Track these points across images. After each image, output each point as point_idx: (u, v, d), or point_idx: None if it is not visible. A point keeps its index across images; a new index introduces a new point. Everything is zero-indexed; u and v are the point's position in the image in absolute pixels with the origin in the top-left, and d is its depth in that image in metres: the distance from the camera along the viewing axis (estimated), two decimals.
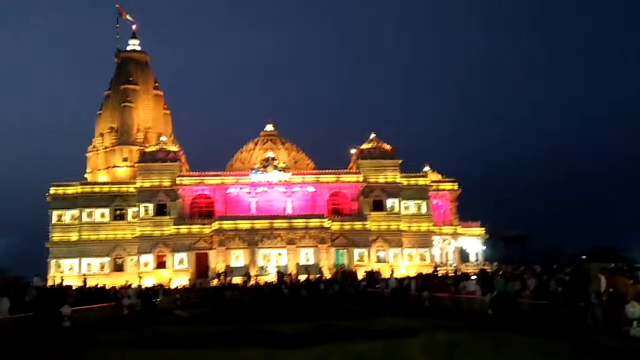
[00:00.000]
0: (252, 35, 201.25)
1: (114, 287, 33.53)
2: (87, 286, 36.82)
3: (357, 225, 55.70)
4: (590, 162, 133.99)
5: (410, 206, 58.41)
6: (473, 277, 24.43)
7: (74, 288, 32.36)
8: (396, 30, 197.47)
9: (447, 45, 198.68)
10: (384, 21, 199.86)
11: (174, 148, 60.07)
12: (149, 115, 69.01)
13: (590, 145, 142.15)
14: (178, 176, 56.86)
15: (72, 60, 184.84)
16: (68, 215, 58.24)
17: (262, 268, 51.04)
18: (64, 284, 42.18)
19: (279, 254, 53.19)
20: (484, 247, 60.70)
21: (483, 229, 61.64)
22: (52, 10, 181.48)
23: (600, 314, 14.19)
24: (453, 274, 35.24)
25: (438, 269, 49.15)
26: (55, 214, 58.39)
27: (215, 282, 47.16)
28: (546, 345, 12.12)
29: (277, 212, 56.20)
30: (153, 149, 59.23)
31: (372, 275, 41.35)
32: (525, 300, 17.22)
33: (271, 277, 47.80)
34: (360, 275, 45.25)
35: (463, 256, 59.71)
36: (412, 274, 39.60)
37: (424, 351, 12.45)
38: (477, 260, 58.65)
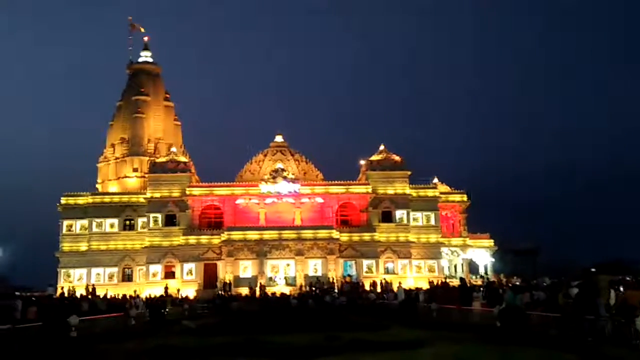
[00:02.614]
0: (262, 47, 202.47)
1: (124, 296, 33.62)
2: (96, 296, 36.96)
3: (366, 236, 55.56)
4: (604, 174, 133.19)
5: (419, 217, 58.21)
6: (481, 290, 24.31)
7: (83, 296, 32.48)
8: (407, 42, 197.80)
9: (458, 56, 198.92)
10: (394, 34, 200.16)
11: (183, 159, 60.31)
12: (159, 126, 69.39)
13: (604, 157, 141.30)
14: (188, 187, 57.01)
15: (85, 71, 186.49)
16: (78, 225, 58.48)
17: (270, 279, 51.01)
18: (77, 294, 42.48)
19: (288, 265, 53.11)
20: (493, 260, 60.32)
21: (492, 241, 61.28)
22: (66, 25, 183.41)
23: (609, 327, 14.07)
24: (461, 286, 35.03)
25: (447, 280, 48.91)
26: (65, 223, 58.65)
27: (217, 292, 47.22)
28: (555, 358, 12.04)
29: (286, 223, 56.16)
30: (163, 159, 59.49)
31: (375, 286, 41.32)
32: (534, 312, 17.10)
33: (279, 287, 47.79)
34: (367, 286, 45.13)
35: (472, 268, 59.33)
36: (421, 285, 39.54)
37: None
38: (485, 272, 58.25)
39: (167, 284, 50.37)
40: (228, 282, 50.70)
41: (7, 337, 15.99)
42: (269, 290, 44.91)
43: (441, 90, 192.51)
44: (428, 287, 35.90)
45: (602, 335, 14.01)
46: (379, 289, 43.46)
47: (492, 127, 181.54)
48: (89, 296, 40.80)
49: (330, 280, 50.26)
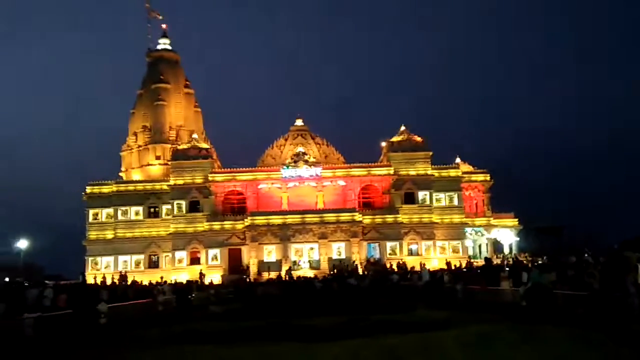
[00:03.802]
0: (281, 31, 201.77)
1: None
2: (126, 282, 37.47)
3: (389, 218, 55.45)
4: (628, 149, 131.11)
5: (442, 198, 57.92)
6: (506, 270, 24.17)
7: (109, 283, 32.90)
8: (426, 25, 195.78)
9: (478, 36, 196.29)
10: (413, 17, 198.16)
11: (205, 145, 60.62)
12: (180, 113, 69.72)
13: (628, 132, 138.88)
14: (210, 173, 57.33)
15: (105, 60, 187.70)
16: (104, 214, 59.28)
17: (294, 263, 51.25)
18: (106, 281, 43.09)
19: (311, 249, 53.30)
20: (518, 239, 59.89)
21: (516, 220, 60.82)
22: (86, 15, 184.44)
23: (638, 304, 13.90)
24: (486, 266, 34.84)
25: (472, 260, 48.75)
26: (91, 212, 59.46)
27: (241, 277, 47.64)
28: (582, 336, 11.95)
29: (308, 206, 56.26)
30: (185, 146, 59.85)
31: (401, 267, 41.29)
32: (561, 291, 16.96)
33: (303, 271, 48.00)
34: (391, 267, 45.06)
35: (496, 248, 59.01)
36: (445, 266, 39.35)
37: (458, 344, 12.38)
38: (510, 252, 57.87)
39: (201, 270, 50.82)
40: (246, 266, 51.21)
41: (38, 325, 16.30)
42: (294, 274, 45.13)
43: (463, 69, 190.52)
44: (445, 268, 35.58)
45: (630, 312, 13.85)
46: (401, 270, 43.40)
47: (515, 107, 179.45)
48: (122, 283, 41.50)
49: (354, 263, 50.34)
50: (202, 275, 48.73)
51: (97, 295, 21.59)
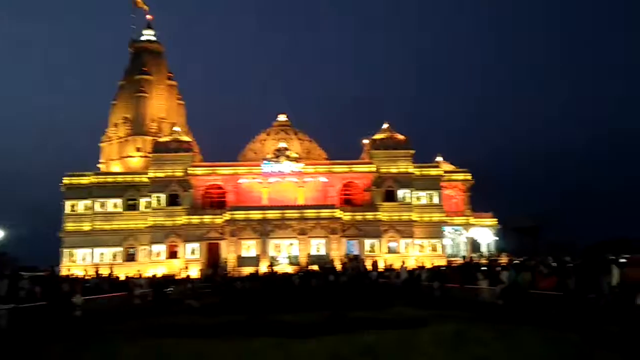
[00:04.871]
0: (265, 26, 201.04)
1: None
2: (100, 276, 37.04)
3: (369, 215, 55.58)
4: (605, 151, 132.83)
5: (422, 196, 58.17)
6: (483, 269, 24.35)
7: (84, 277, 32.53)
8: (410, 23, 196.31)
9: (460, 37, 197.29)
10: (399, 14, 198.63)
11: (186, 138, 60.21)
12: (162, 105, 69.18)
13: (606, 134, 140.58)
14: (190, 166, 56.98)
15: (87, 50, 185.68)
16: (81, 205, 58.60)
17: (273, 258, 51.16)
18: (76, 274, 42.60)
19: (291, 244, 53.25)
20: (496, 238, 60.36)
21: (495, 219, 61.28)
22: (68, 4, 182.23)
23: (611, 305, 14.08)
24: (464, 265, 35.07)
25: (451, 260, 49.02)
26: (68, 204, 58.76)
27: (219, 272, 47.54)
28: (556, 336, 12.06)
29: (289, 202, 56.21)
30: (166, 139, 59.41)
31: (376, 265, 41.38)
32: (536, 291, 17.11)
33: (282, 267, 47.89)
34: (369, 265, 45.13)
35: (475, 247, 59.42)
36: (425, 264, 39.51)
37: (434, 341, 12.45)
38: (488, 251, 58.32)
39: (186, 265, 50.72)
40: (223, 262, 51.09)
41: (12, 316, 16.09)
42: (276, 269, 44.93)
43: (445, 70, 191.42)
44: (423, 266, 35.68)
45: (604, 313, 14.03)
46: (379, 268, 43.49)
47: (496, 108, 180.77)
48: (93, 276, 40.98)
49: (333, 259, 50.36)
50: (186, 269, 48.63)
51: (71, 287, 21.33)
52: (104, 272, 41.51)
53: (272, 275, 40.36)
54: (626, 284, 14.29)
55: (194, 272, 49.57)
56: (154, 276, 39.09)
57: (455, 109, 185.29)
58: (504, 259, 46.15)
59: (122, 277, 37.00)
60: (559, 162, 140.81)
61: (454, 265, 39.68)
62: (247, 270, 46.56)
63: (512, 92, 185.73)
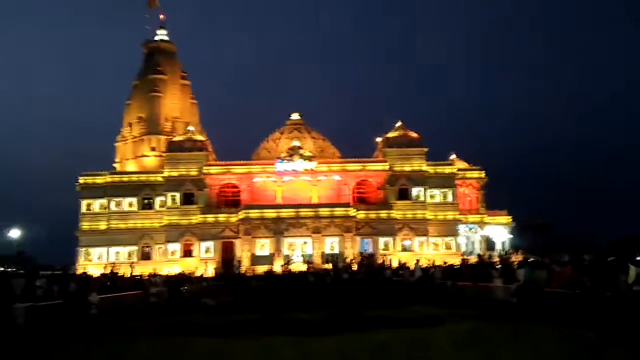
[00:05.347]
0: (277, 24, 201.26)
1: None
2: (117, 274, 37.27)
3: (383, 213, 55.52)
4: (621, 149, 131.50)
5: (436, 195, 58.02)
6: (498, 267, 24.21)
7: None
8: (426, 20, 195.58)
9: (476, 35, 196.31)
10: (409, 12, 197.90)
11: (200, 137, 60.48)
12: (176, 105, 69.52)
13: (622, 132, 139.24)
14: (205, 165, 57.25)
15: (102, 50, 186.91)
16: (97, 205, 59.09)
17: (287, 257, 51.23)
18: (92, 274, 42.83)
19: (305, 243, 53.35)
20: (511, 236, 60.02)
21: (510, 217, 60.95)
22: (85, 5, 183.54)
23: (628, 304, 13.94)
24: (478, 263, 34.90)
25: (464, 258, 48.77)
26: (84, 203, 59.27)
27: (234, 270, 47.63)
28: (572, 335, 11.98)
29: (302, 201, 56.28)
30: (180, 138, 59.71)
31: (389, 263, 41.30)
32: (552, 289, 16.98)
33: (296, 265, 47.96)
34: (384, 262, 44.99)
35: (489, 245, 59.12)
36: (438, 262, 39.38)
37: (449, 340, 12.41)
38: (503, 249, 57.99)
39: (206, 262, 50.91)
40: (238, 261, 51.24)
41: (29, 314, 16.25)
42: (292, 268, 44.91)
43: (460, 68, 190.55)
44: (437, 264, 35.55)
45: (620, 311, 13.90)
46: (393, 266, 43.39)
47: (512, 107, 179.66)
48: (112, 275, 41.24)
49: (347, 257, 50.35)
50: (205, 266, 48.85)
51: (87, 286, 21.49)
52: (125, 270, 41.89)
53: (287, 273, 40.43)
54: None
55: (209, 270, 49.79)
56: (168, 275, 39.33)
57: (470, 106, 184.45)
58: (518, 257, 45.86)
59: (137, 276, 37.21)
60: (575, 159, 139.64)
61: (468, 263, 39.50)
62: (261, 269, 46.70)
63: (528, 89, 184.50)
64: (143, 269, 45.59)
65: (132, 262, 52.61)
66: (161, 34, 72.83)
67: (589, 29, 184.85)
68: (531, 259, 26.03)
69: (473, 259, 47.05)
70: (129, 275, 37.73)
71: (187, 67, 73.32)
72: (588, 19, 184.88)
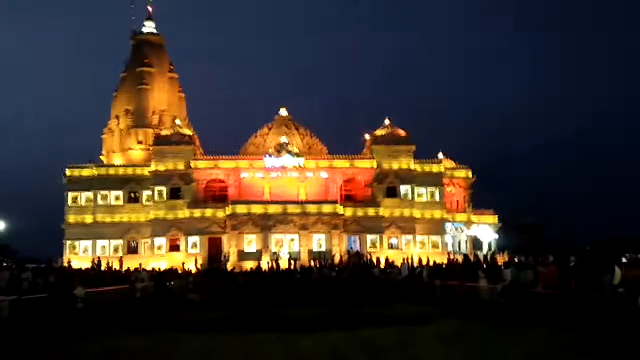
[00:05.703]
0: (267, 19, 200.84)
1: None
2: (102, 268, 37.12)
3: (370, 211, 55.61)
4: (610, 150, 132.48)
5: (424, 193, 58.15)
6: (484, 267, 24.34)
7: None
8: (409, 15, 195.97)
9: (461, 36, 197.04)
10: (403, 11, 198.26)
11: (188, 131, 60.16)
12: (164, 97, 69.10)
13: (610, 132, 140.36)
14: (192, 160, 56.98)
15: (88, 41, 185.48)
16: (83, 197, 58.61)
17: (274, 253, 51.16)
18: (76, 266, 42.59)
19: (292, 240, 53.29)
20: (497, 236, 60.34)
21: (496, 217, 61.24)
22: None
23: (613, 305, 14.07)
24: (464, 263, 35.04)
25: (450, 257, 48.98)
26: (70, 195, 58.75)
27: (221, 266, 47.50)
28: (557, 336, 12.08)
29: (290, 197, 56.18)
30: (167, 132, 59.36)
31: (378, 261, 41.31)
32: (538, 290, 17.11)
33: (283, 261, 47.97)
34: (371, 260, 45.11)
35: (476, 244, 59.41)
36: (425, 261, 39.51)
37: (435, 339, 12.46)
38: (489, 248, 58.29)
39: (195, 259, 50.54)
40: (225, 256, 51.24)
41: (13, 307, 16.14)
42: (281, 263, 44.76)
43: (448, 67, 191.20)
44: (424, 263, 35.65)
45: (605, 312, 14.02)
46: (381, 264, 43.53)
47: (498, 106, 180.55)
48: (96, 268, 41.06)
49: (334, 255, 50.39)
50: (195, 262, 48.61)
51: (72, 279, 21.36)
52: (115, 264, 41.76)
53: (274, 270, 40.42)
54: (628, 284, 14.29)
55: (194, 266, 49.62)
56: (154, 270, 39.18)
57: (457, 106, 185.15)
58: (504, 257, 46.13)
59: (123, 270, 37.05)
60: (562, 159, 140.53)
61: (454, 262, 39.67)
62: (248, 265, 46.66)
63: (512, 90, 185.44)
64: (129, 263, 45.42)
65: (121, 256, 52.34)
66: (149, 26, 72.24)
67: (588, 29, 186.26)
68: (517, 259, 26.20)
69: (459, 258, 47.38)
70: (117, 269, 37.61)
71: (175, 60, 72.97)
72: (588, 18, 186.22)
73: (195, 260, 49.43)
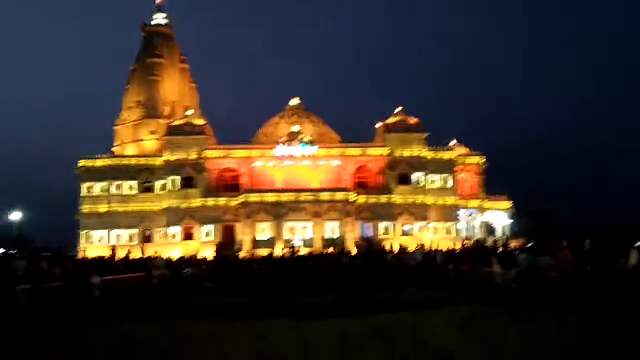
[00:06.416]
0: (276, 8, 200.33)
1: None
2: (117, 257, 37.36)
3: (383, 198, 55.62)
4: (623, 135, 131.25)
5: (436, 180, 58.06)
6: (498, 252, 24.28)
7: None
8: (429, 5, 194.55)
9: (476, 21, 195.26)
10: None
11: (200, 121, 60.35)
12: (175, 88, 69.30)
13: (623, 116, 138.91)
14: (204, 149, 57.18)
15: (101, 33, 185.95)
16: (97, 188, 59.14)
17: (287, 241, 51.34)
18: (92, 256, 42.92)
19: (304, 227, 53.50)
20: (511, 221, 60.13)
21: (510, 202, 61.01)
22: None
23: (628, 289, 14.00)
24: (477, 248, 34.97)
25: (466, 242, 48.93)
26: (84, 186, 59.30)
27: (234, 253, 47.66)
28: (572, 321, 12.03)
29: (302, 185, 56.33)
30: (179, 122, 59.61)
31: (391, 248, 41.28)
32: (552, 274, 17.05)
33: (299, 249, 48.07)
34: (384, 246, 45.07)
35: (489, 230, 59.26)
36: (439, 247, 39.47)
37: (448, 323, 12.45)
38: (503, 234, 58.13)
39: (219, 245, 50.71)
40: (238, 244, 51.44)
41: (31, 296, 16.32)
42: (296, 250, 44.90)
43: (462, 53, 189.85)
44: (439, 249, 35.61)
45: (620, 296, 13.96)
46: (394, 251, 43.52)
47: (513, 92, 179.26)
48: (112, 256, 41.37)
49: (347, 242, 50.50)
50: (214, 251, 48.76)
51: (88, 268, 21.54)
52: (136, 253, 42.12)
53: (290, 257, 40.50)
54: None
55: (209, 253, 49.90)
56: (168, 257, 39.43)
57: (471, 92, 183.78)
58: (518, 242, 45.98)
59: (143, 258, 37.27)
60: (577, 144, 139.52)
61: (467, 248, 39.60)
62: (262, 252, 46.80)
63: (526, 73, 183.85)
64: (145, 252, 45.74)
65: (143, 245, 52.67)
66: (159, 17, 72.40)
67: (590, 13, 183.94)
68: (530, 244, 26.11)
69: (472, 244, 47.27)
70: (140, 257, 37.89)
71: (187, 51, 73.12)
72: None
73: (214, 248, 49.72)
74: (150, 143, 66.75)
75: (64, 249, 44.28)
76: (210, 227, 54.82)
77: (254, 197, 53.87)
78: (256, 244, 52.11)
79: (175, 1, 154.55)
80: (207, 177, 57.29)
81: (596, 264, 14.96)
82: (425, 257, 28.93)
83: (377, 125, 61.48)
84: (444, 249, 32.78)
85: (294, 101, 68.21)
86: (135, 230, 57.74)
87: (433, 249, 35.45)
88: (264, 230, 53.65)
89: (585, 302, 13.78)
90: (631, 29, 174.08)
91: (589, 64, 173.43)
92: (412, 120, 58.84)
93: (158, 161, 58.19)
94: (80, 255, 47.57)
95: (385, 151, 57.16)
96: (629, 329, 10.84)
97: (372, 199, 55.52)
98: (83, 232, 57.92)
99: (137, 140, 67.65)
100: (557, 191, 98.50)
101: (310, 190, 55.12)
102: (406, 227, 55.50)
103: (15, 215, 55.72)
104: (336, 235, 52.96)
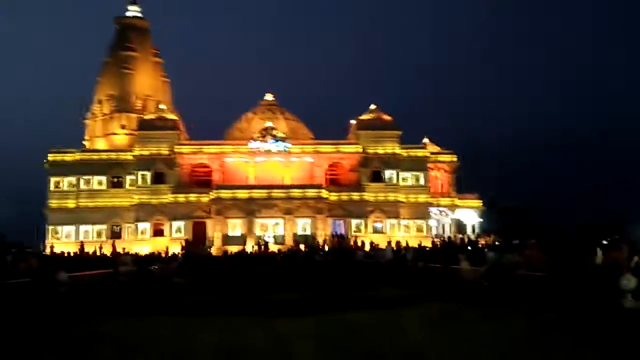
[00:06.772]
0: (252, 3, 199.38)
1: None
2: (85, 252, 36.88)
3: (355, 195, 55.68)
4: (595, 135, 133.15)
5: (409, 177, 58.29)
6: (468, 249, 24.47)
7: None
8: (399, 4, 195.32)
9: (447, 13, 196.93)
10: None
11: (172, 116, 59.71)
12: (147, 82, 68.48)
13: (596, 116, 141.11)
14: (176, 145, 56.59)
15: (71, 25, 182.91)
16: (66, 182, 58.03)
17: (259, 237, 51.10)
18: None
19: (276, 224, 53.32)
20: (481, 220, 60.76)
21: (480, 201, 61.62)
22: None
23: (593, 286, 14.19)
24: (446, 245, 35.28)
25: (436, 240, 49.25)
26: (53, 180, 58.16)
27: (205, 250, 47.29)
28: (541, 318, 12.17)
29: (275, 182, 56.11)
30: (151, 116, 58.91)
31: (361, 245, 41.37)
32: (520, 272, 17.22)
33: (270, 246, 47.89)
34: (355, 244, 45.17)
35: (460, 228, 59.76)
36: (411, 244, 39.66)
37: (420, 321, 12.51)
38: (473, 232, 58.69)
39: (188, 241, 49.82)
40: (209, 241, 51.10)
41: None
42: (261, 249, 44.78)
43: (432, 54, 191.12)
44: (400, 248, 35.78)
45: (587, 294, 14.14)
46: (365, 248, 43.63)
47: (483, 91, 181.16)
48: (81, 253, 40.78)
49: (319, 239, 50.47)
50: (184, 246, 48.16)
51: (55, 264, 21.17)
52: (105, 249, 41.51)
53: (260, 254, 40.33)
54: (608, 266, 14.40)
55: (179, 250, 49.44)
56: (136, 254, 38.95)
57: (442, 92, 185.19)
58: (487, 240, 46.49)
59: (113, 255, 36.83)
60: (546, 143, 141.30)
61: (438, 245, 39.92)
62: (233, 249, 46.53)
63: (498, 75, 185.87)
64: (116, 248, 45.18)
65: (114, 241, 51.72)
66: (133, 10, 71.45)
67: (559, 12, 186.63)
68: (498, 242, 26.41)
69: (442, 242, 47.66)
70: (109, 254, 37.39)
71: (160, 45, 72.26)
72: None
73: (181, 245, 49.22)
74: (121, 137, 65.85)
75: (28, 244, 43.52)
76: (180, 224, 54.29)
77: (225, 194, 53.51)
78: (227, 240, 51.74)
79: None
80: (179, 173, 56.71)
81: (564, 262, 15.14)
82: (396, 254, 29.05)
83: (351, 122, 61.48)
84: (415, 246, 32.89)
85: (269, 97, 67.92)
86: (104, 226, 56.80)
87: (402, 245, 35.57)
88: (235, 226, 53.34)
89: (553, 300, 13.94)
90: (599, 29, 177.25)
91: (571, 64, 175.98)
92: (386, 117, 58.98)
93: (129, 156, 57.33)
94: (47, 251, 46.77)
95: (358, 148, 57.24)
96: (594, 326, 11.00)
97: (344, 196, 55.54)
98: (51, 228, 56.88)
99: (107, 135, 66.68)
100: (529, 190, 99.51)
101: (283, 186, 54.96)
102: (378, 225, 55.66)
103: None
104: (308, 232, 52.92)
